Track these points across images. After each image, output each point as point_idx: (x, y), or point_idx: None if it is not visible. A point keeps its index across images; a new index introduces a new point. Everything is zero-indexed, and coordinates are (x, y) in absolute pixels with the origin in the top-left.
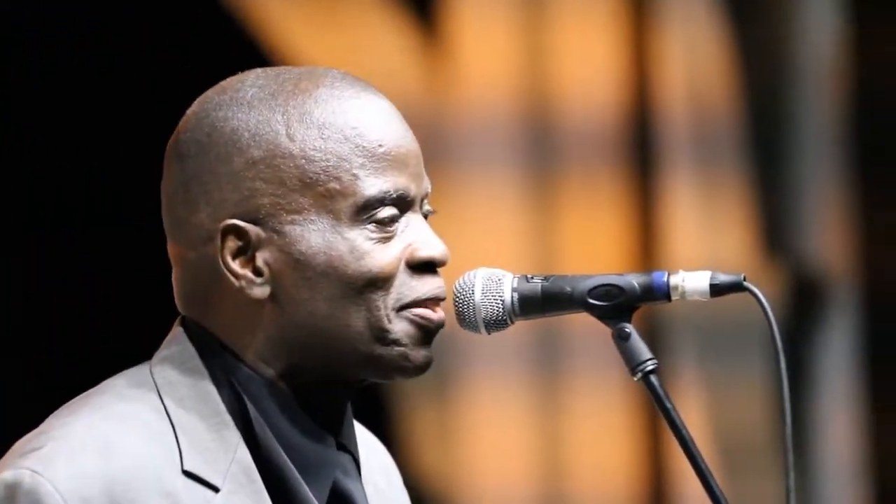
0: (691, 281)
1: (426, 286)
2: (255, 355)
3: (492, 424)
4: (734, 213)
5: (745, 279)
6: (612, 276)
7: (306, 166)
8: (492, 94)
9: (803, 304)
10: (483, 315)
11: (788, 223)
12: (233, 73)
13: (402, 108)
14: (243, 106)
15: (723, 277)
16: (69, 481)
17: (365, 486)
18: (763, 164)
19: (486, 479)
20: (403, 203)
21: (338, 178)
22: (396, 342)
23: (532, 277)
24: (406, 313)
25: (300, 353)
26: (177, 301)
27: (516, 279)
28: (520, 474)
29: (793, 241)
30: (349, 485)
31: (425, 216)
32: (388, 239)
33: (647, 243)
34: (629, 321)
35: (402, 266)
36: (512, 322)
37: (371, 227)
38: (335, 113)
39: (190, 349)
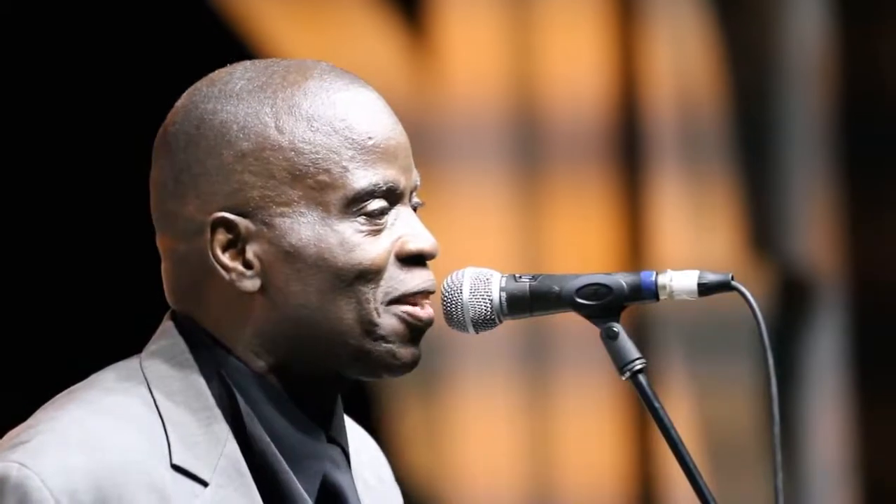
0: (679, 280)
1: (416, 279)
2: (246, 348)
3: (480, 424)
4: (722, 212)
5: (732, 278)
6: (600, 276)
7: (295, 158)
8: (479, 92)
9: (791, 303)
10: (471, 314)
11: (776, 222)
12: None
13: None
14: (232, 98)
15: (711, 277)
16: (57, 475)
17: (355, 479)
18: (751, 162)
19: (473, 478)
20: (393, 195)
21: (327, 171)
22: (384, 338)
23: (520, 277)
24: (395, 309)
25: (290, 347)
26: (167, 294)
27: (504, 278)
28: (508, 473)
29: (781, 240)
30: (339, 478)
31: (414, 209)
32: (377, 231)
33: (635, 242)
34: (617, 320)
35: (392, 259)
36: (500, 321)
37: (361, 219)
38: (324, 105)
39: (180, 343)
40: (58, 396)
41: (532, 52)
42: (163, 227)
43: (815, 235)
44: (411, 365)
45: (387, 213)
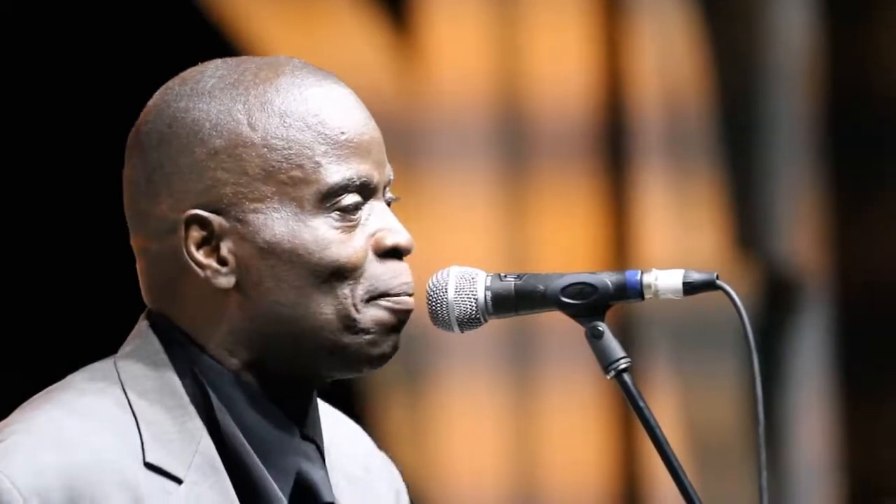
0: (664, 279)
1: (396, 280)
2: (220, 346)
3: (465, 422)
4: (707, 211)
5: (718, 277)
6: (585, 275)
7: (268, 155)
8: (464, 91)
9: (776, 302)
10: (456, 314)
11: (762, 221)
12: None
13: (374, 104)
14: (204, 96)
15: (696, 276)
16: (27, 476)
17: (332, 473)
18: (736, 162)
19: (458, 476)
20: (367, 190)
21: (300, 166)
22: (365, 331)
23: (505, 276)
24: (376, 304)
25: (265, 344)
26: (143, 293)
27: (489, 277)
28: (493, 472)
29: (766, 240)
30: (313, 475)
31: (388, 204)
32: (352, 227)
33: (621, 241)
34: (602, 319)
35: (370, 255)
36: (485, 321)
37: (335, 215)
38: (296, 101)
39: (155, 343)
40: (34, 397)
41: (518, 50)
42: (136, 226)
43: (801, 235)
44: (390, 355)
45: (360, 209)
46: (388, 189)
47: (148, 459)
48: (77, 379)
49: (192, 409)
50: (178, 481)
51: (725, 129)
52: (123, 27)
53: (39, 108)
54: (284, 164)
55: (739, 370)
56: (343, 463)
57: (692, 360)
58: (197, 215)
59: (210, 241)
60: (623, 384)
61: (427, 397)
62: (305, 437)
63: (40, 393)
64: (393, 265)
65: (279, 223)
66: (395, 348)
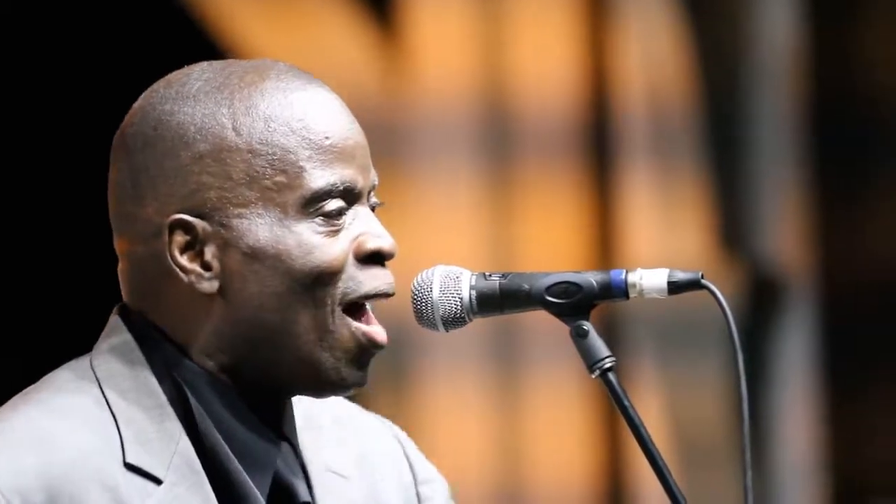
0: (649, 279)
1: (375, 281)
2: (200, 350)
3: (449, 420)
4: (692, 211)
5: (702, 277)
6: (569, 274)
7: (252, 160)
8: (449, 90)
9: (761, 301)
10: (441, 313)
11: (746, 221)
12: None
13: (359, 104)
14: (189, 99)
15: (680, 275)
16: (6, 476)
17: (319, 474)
18: (721, 161)
19: (443, 473)
20: (351, 195)
21: (284, 171)
22: (333, 350)
23: (490, 275)
24: (351, 323)
25: (246, 349)
26: (124, 296)
27: (474, 277)
28: (478, 470)
29: (751, 239)
30: (289, 475)
31: (373, 208)
32: (335, 232)
33: (605, 240)
34: (587, 319)
35: (351, 259)
36: (470, 320)
37: (319, 220)
38: (281, 105)
39: (130, 340)
40: (13, 398)
41: (502, 48)
42: (121, 228)
43: (785, 234)
44: (355, 386)
45: (344, 214)
46: (372, 194)
47: (128, 460)
48: (54, 378)
49: (170, 409)
50: (158, 482)
51: (710, 129)
52: (107, 28)
53: (25, 109)
54: (269, 170)
55: (724, 369)
56: (333, 458)
57: (677, 359)
58: (181, 220)
59: (194, 246)
60: (608, 383)
61: (412, 396)
62: (282, 437)
63: (18, 394)
64: (373, 270)
65: (263, 228)
66: (359, 383)
